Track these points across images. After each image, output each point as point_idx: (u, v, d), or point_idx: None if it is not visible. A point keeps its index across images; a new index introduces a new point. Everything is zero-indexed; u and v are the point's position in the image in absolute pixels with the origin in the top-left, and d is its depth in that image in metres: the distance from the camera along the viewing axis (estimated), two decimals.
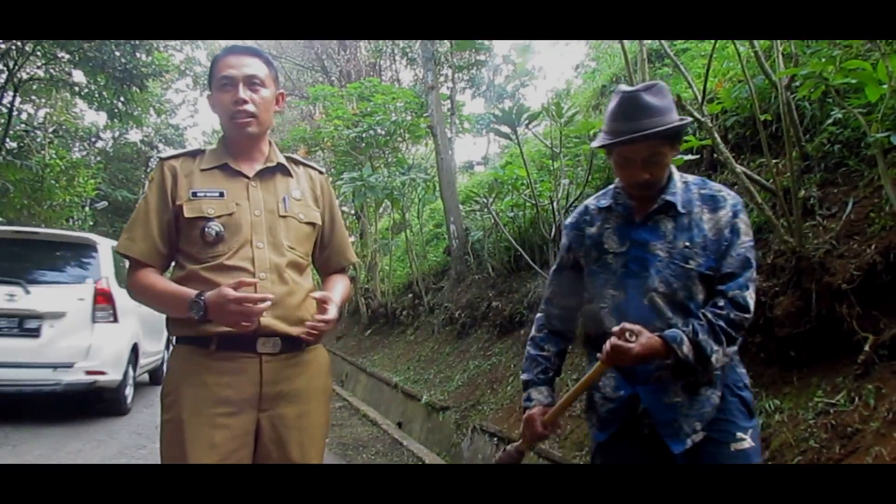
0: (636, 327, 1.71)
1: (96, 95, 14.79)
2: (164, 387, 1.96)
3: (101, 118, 23.62)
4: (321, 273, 2.27)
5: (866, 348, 2.63)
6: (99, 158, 26.93)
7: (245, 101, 1.94)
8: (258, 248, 1.93)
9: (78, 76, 14.92)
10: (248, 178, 2.01)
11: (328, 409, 2.12)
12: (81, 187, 19.13)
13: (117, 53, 13.11)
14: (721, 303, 1.78)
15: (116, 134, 28.88)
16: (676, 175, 1.91)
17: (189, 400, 1.87)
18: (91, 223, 23.48)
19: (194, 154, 2.05)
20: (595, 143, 1.91)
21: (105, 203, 24.26)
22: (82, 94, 15.20)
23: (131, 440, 6.03)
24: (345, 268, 2.27)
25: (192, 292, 1.83)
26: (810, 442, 2.57)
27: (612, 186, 2.01)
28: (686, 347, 1.72)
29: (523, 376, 2.07)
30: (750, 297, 1.80)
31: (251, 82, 1.96)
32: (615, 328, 1.72)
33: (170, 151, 2.00)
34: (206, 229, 1.91)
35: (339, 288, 2.16)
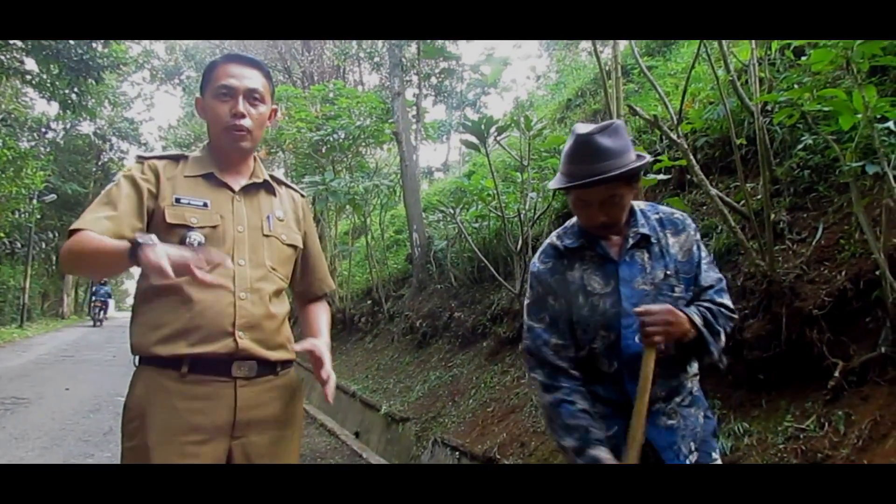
0: (652, 307, 1.73)
1: (48, 85, 14.35)
2: (126, 412, 1.80)
3: (53, 108, 22.99)
4: (299, 299, 2.14)
5: (836, 374, 2.66)
6: (49, 150, 26.16)
7: (243, 116, 1.86)
8: (240, 265, 1.82)
9: (30, 64, 14.46)
10: (233, 191, 1.91)
11: (301, 436, 2.02)
12: (29, 179, 18.52)
13: (72, 43, 12.74)
14: (715, 298, 1.85)
15: (68, 125, 28.16)
16: (636, 206, 1.92)
17: (156, 426, 1.73)
18: (38, 216, 22.77)
19: (177, 158, 1.94)
20: (552, 185, 1.88)
21: (54, 196, 23.59)
22: (34, 82, 14.73)
23: (77, 448, 5.81)
24: (323, 295, 2.16)
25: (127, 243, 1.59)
26: None
27: (571, 224, 1.98)
28: (698, 319, 1.76)
29: (567, 442, 1.78)
30: (731, 303, 1.89)
31: (251, 96, 1.88)
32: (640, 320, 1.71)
33: (151, 152, 1.88)
34: (188, 239, 1.78)
35: (324, 328, 2.08)
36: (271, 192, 2.00)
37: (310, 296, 2.13)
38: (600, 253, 1.88)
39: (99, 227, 1.71)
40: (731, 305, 1.87)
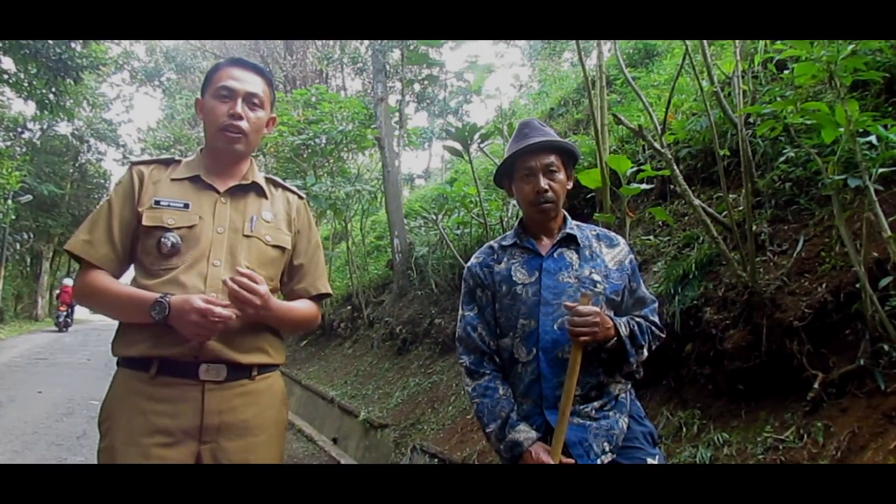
0: (581, 307, 1.84)
1: (26, 84, 14.17)
2: (101, 412, 1.81)
3: (30, 108, 22.66)
4: (288, 300, 2.06)
5: (815, 386, 2.67)
6: (25, 150, 25.79)
7: (240, 117, 1.88)
8: (214, 265, 1.81)
9: (7, 63, 14.26)
10: (218, 192, 1.90)
11: (282, 443, 1.97)
12: (5, 179, 18.33)
13: (50, 42, 12.58)
14: (649, 316, 2.04)
15: (45, 125, 27.73)
16: (571, 220, 2.13)
17: (123, 427, 1.73)
18: (13, 217, 22.42)
19: (167, 163, 1.96)
20: (499, 167, 2.15)
21: (30, 197, 23.25)
22: (11, 81, 14.52)
23: (50, 452, 5.69)
24: (314, 297, 2.07)
25: (154, 294, 1.72)
26: None
27: (512, 231, 2.17)
28: (624, 329, 1.91)
29: (490, 427, 1.94)
30: (660, 324, 2.07)
31: (250, 100, 1.92)
32: (572, 312, 1.83)
33: (142, 157, 1.89)
34: (163, 240, 1.80)
35: (295, 304, 2.01)
36: (262, 194, 1.99)
37: (295, 297, 2.05)
38: (529, 248, 2.07)
39: (93, 255, 1.81)
40: (661, 325, 2.06)
